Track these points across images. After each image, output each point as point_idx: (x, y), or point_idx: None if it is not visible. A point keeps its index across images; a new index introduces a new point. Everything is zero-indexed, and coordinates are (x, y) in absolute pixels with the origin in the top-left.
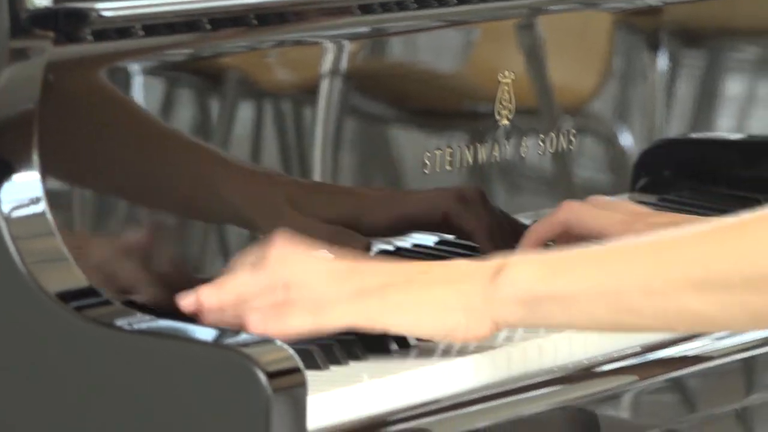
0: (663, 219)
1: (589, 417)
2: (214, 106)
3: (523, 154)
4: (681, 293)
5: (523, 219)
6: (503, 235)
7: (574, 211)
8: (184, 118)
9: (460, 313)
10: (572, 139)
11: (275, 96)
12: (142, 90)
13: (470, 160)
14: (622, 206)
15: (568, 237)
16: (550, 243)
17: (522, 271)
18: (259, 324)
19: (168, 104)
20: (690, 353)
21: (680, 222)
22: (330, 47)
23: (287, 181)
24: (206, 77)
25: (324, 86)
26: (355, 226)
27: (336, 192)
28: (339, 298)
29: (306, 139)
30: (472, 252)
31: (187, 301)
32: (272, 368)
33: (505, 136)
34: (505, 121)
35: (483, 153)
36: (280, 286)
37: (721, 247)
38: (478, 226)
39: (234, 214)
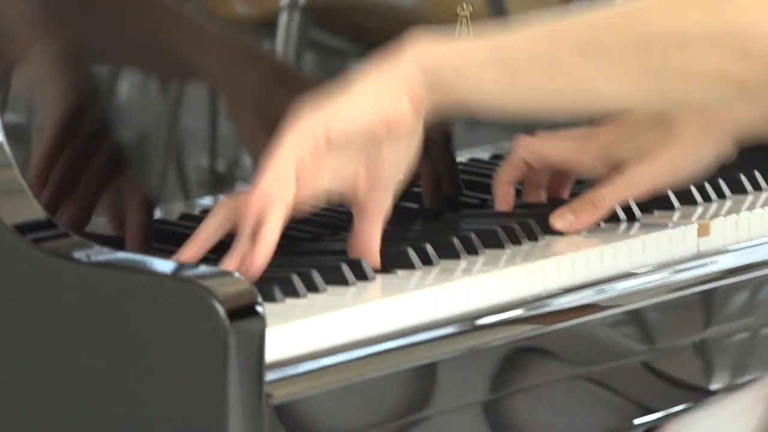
0: (609, 132)
1: (546, 350)
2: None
3: None
4: (567, 57)
5: (482, 153)
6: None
7: (528, 148)
8: None
9: (380, 97)
10: None
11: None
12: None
13: None
14: (570, 132)
15: (535, 173)
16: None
17: (421, 44)
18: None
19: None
20: (649, 286)
21: (627, 125)
22: None
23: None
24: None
25: (282, 20)
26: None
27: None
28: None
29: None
30: None
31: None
32: (230, 301)
33: None
34: None
35: None
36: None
37: (608, 12)
38: (430, 174)
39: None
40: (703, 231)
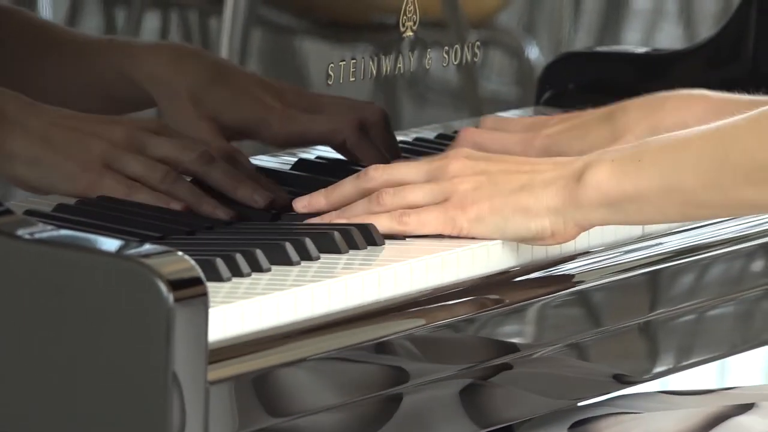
0: (556, 128)
1: (492, 332)
2: (120, 16)
3: (427, 66)
4: (737, 186)
5: (430, 132)
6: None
7: (472, 140)
8: (90, 27)
9: (545, 218)
10: (477, 51)
11: (181, 6)
12: (48, 2)
13: (374, 71)
14: (515, 123)
15: None
16: None
17: (599, 173)
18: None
19: (73, 15)
20: (594, 267)
21: (574, 122)
22: None
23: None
24: None
25: None
26: (253, 132)
27: (242, 91)
28: (427, 207)
29: (211, 48)
30: None
31: (301, 203)
32: (173, 279)
33: (410, 47)
34: (410, 33)
35: (387, 65)
36: (374, 195)
37: (763, 135)
38: (374, 156)
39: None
40: None
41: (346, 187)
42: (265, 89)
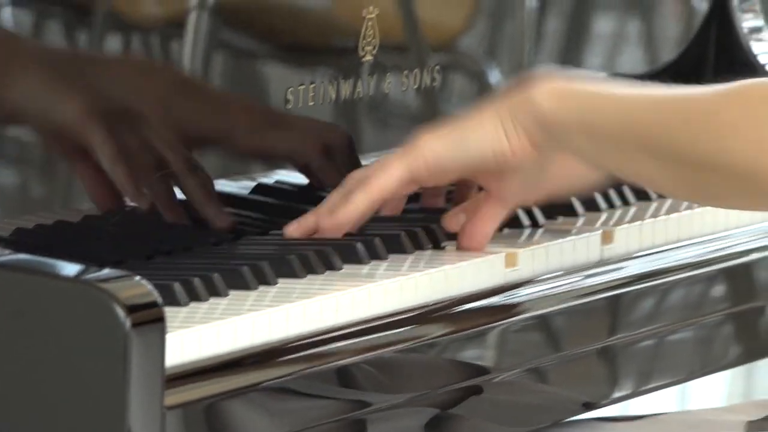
0: None
1: (452, 357)
2: (82, 39)
3: (386, 90)
4: (633, 151)
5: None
6: None
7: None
8: (51, 50)
9: (499, 128)
10: (436, 75)
11: (142, 29)
12: (10, 21)
13: (333, 96)
14: None
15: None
16: None
17: (541, 93)
18: (329, 222)
19: (35, 37)
20: (555, 291)
21: None
22: None
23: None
24: (73, 10)
25: (191, 20)
26: (219, 144)
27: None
28: (390, 161)
29: None
30: None
31: (291, 228)
32: (131, 303)
33: (369, 71)
34: (369, 57)
35: (346, 89)
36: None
37: (656, 119)
38: (338, 179)
39: None
40: (607, 238)
41: (331, 196)
42: (234, 103)
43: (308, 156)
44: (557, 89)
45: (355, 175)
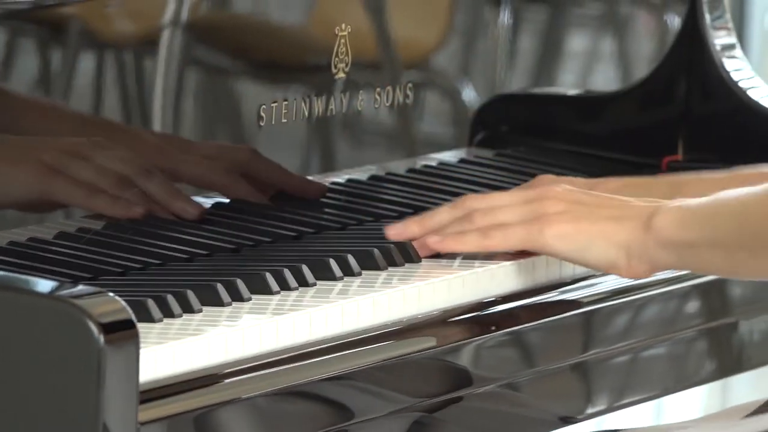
0: (616, 183)
1: (428, 371)
2: (56, 57)
3: (359, 108)
4: (763, 250)
5: (361, 174)
6: (290, 190)
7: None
8: (24, 69)
9: (623, 249)
10: (409, 93)
11: (116, 47)
12: None
13: (306, 113)
14: (575, 182)
15: None
16: None
17: (665, 218)
18: (437, 241)
19: (8, 55)
20: (530, 307)
21: (636, 182)
22: None
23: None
24: (47, 27)
25: (165, 38)
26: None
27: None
28: (514, 222)
29: (146, 89)
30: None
31: (394, 231)
32: (104, 320)
33: (342, 89)
34: (342, 74)
35: (319, 106)
36: (466, 215)
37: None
38: (250, 194)
39: None
40: None
41: (442, 215)
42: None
43: (212, 178)
44: (678, 208)
45: (470, 204)
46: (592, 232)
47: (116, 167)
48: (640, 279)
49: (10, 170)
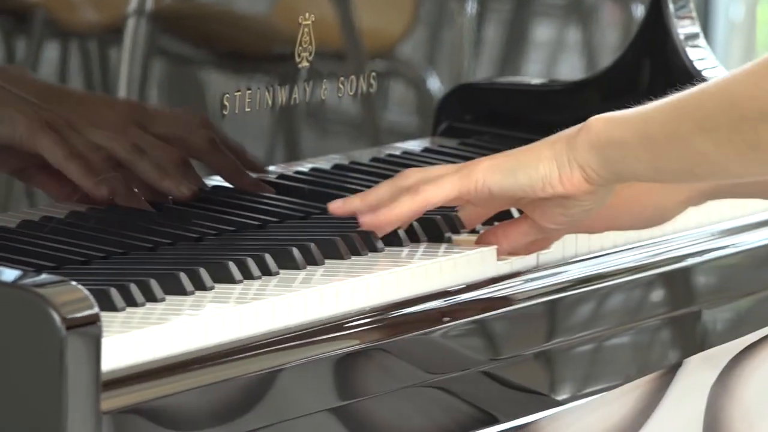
0: None
1: (390, 361)
2: (20, 45)
3: (323, 97)
4: (691, 134)
5: (325, 163)
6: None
7: None
8: None
9: (552, 161)
10: (372, 82)
11: (81, 36)
12: None
13: (270, 102)
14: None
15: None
16: None
17: (596, 121)
18: (371, 218)
19: None
20: (494, 296)
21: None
22: None
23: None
24: (11, 16)
25: (129, 26)
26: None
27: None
28: (449, 175)
29: (110, 79)
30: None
31: (335, 205)
32: (67, 309)
33: (305, 78)
34: (305, 63)
35: (282, 95)
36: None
37: (714, 87)
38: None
39: None
40: None
41: (382, 189)
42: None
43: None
44: (609, 115)
45: (410, 174)
46: (519, 156)
47: (107, 145)
48: (581, 192)
49: (8, 112)
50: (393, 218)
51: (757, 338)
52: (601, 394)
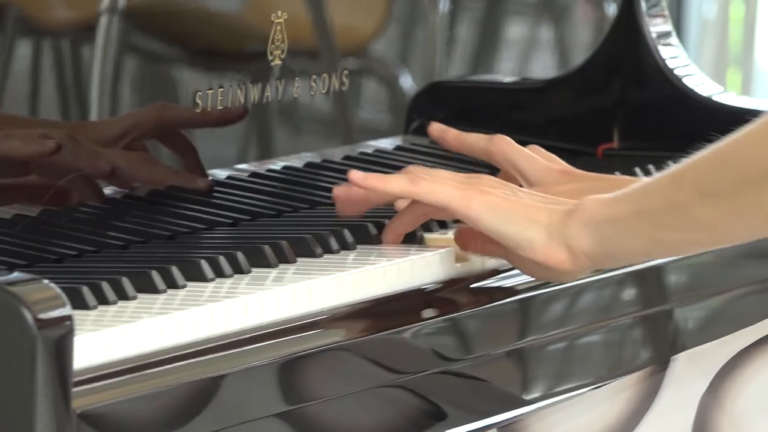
0: (569, 186)
1: (363, 359)
2: None
3: (296, 95)
4: (694, 204)
5: (297, 161)
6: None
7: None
8: None
9: (543, 230)
10: (345, 80)
11: (53, 33)
12: None
13: (242, 100)
14: (541, 153)
15: None
16: None
17: (590, 201)
18: (361, 178)
19: None
20: (466, 294)
21: (594, 185)
22: None
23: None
24: None
25: (102, 24)
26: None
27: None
28: (450, 184)
29: (83, 76)
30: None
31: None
32: (38, 308)
33: (278, 76)
34: (278, 62)
35: (255, 93)
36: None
37: (712, 152)
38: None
39: None
40: None
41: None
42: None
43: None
44: (604, 195)
45: (415, 168)
46: (517, 208)
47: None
48: (558, 268)
49: None
50: (380, 187)
51: (746, 345)
52: (588, 394)
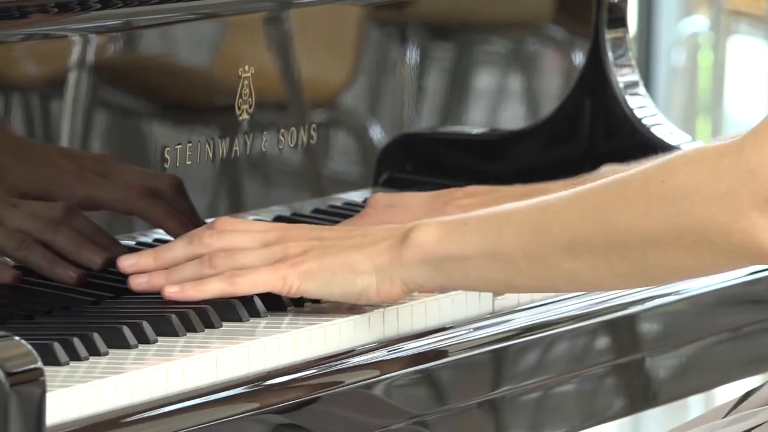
0: (468, 200)
1: (335, 412)
2: None
3: (264, 149)
4: (556, 256)
5: (267, 215)
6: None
7: (382, 203)
8: None
9: (371, 275)
10: (313, 133)
11: (23, 88)
12: None
13: (211, 155)
14: (412, 197)
15: None
16: None
17: (425, 233)
18: (176, 292)
19: None
20: (439, 346)
21: (493, 197)
22: (75, 41)
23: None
24: None
25: (70, 79)
26: (46, 196)
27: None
28: (258, 267)
29: (51, 131)
30: None
31: (128, 262)
32: (10, 364)
33: (246, 130)
34: (245, 116)
35: (223, 148)
36: (206, 257)
37: (583, 212)
38: (168, 223)
39: None
40: None
41: (178, 249)
42: (62, 155)
43: (130, 203)
44: (439, 224)
45: (215, 242)
46: (335, 266)
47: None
48: (399, 297)
49: None
50: (198, 297)
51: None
52: None
